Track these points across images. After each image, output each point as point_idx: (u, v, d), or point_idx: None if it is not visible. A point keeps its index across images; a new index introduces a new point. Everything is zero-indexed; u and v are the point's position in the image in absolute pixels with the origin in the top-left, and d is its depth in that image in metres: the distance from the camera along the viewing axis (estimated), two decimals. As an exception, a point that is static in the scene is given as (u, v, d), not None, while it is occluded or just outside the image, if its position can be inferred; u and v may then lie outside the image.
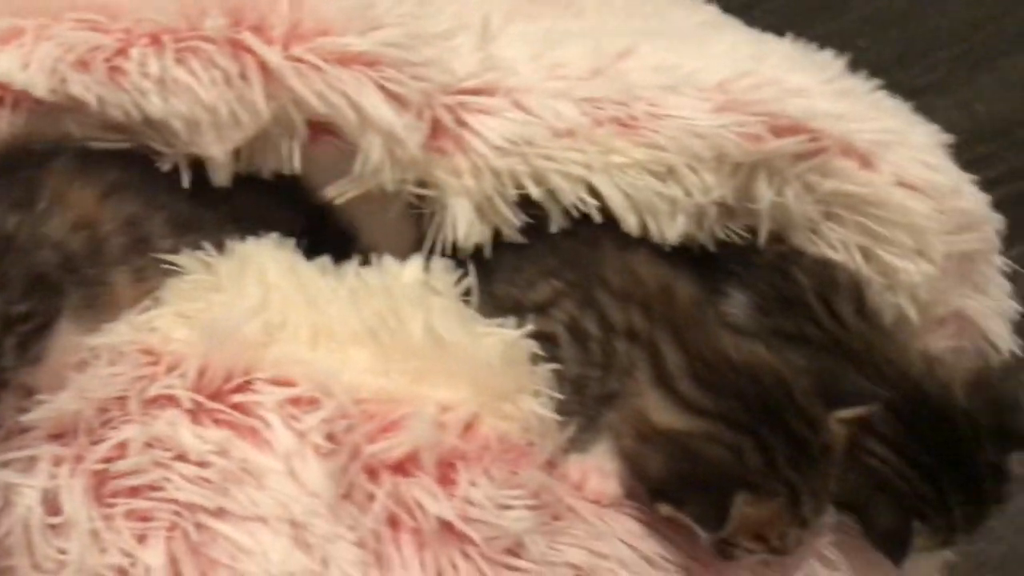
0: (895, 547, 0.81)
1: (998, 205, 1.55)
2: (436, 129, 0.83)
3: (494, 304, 0.83)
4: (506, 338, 0.79)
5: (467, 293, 0.83)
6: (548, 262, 0.86)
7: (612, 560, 0.77)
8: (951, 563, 1.12)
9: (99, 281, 0.79)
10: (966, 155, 1.62)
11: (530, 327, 0.80)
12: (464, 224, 0.83)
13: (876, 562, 0.85)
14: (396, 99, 0.80)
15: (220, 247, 0.82)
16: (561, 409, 0.80)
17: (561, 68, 0.88)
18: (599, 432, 0.81)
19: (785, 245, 0.91)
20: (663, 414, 0.78)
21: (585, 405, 0.81)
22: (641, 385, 0.79)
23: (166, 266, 0.81)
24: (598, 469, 0.81)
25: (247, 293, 0.77)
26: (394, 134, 0.80)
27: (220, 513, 0.70)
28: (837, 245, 0.91)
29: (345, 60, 0.80)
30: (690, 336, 0.81)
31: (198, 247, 0.82)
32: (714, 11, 1.17)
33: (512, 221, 0.85)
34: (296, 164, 0.82)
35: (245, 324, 0.75)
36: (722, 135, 0.83)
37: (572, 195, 0.84)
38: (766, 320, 0.86)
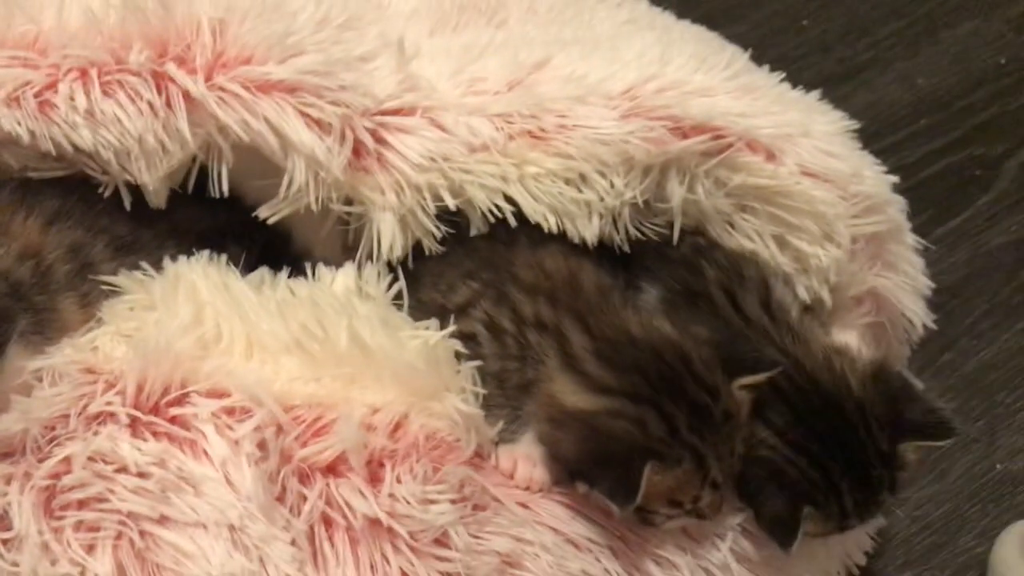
0: (783, 533, 0.83)
1: (940, 176, 1.60)
2: (358, 150, 0.86)
3: (421, 310, 0.87)
4: (429, 340, 0.83)
5: (399, 297, 0.86)
6: (466, 265, 0.90)
7: (536, 546, 0.81)
8: (885, 527, 1.17)
9: (47, 308, 0.82)
10: (909, 128, 1.66)
11: (452, 328, 0.84)
12: (388, 237, 0.86)
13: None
14: (317, 124, 0.83)
15: (159, 264, 0.85)
16: (486, 403, 0.84)
17: (479, 83, 0.91)
18: (525, 422, 0.85)
19: (703, 238, 0.96)
20: (571, 396, 0.81)
21: (509, 397, 0.85)
22: (551, 371, 0.83)
23: (107, 287, 0.84)
24: (526, 457, 0.85)
25: (179, 311, 0.80)
26: (316, 158, 0.83)
27: (162, 521, 0.75)
28: (752, 235, 0.95)
29: (266, 88, 0.83)
30: (594, 320, 0.84)
31: (138, 267, 0.85)
32: (641, 8, 1.19)
33: (433, 232, 0.88)
34: (225, 188, 0.85)
35: (178, 341, 0.78)
36: (628, 141, 0.87)
37: (489, 204, 0.87)
38: (673, 313, 0.89)
